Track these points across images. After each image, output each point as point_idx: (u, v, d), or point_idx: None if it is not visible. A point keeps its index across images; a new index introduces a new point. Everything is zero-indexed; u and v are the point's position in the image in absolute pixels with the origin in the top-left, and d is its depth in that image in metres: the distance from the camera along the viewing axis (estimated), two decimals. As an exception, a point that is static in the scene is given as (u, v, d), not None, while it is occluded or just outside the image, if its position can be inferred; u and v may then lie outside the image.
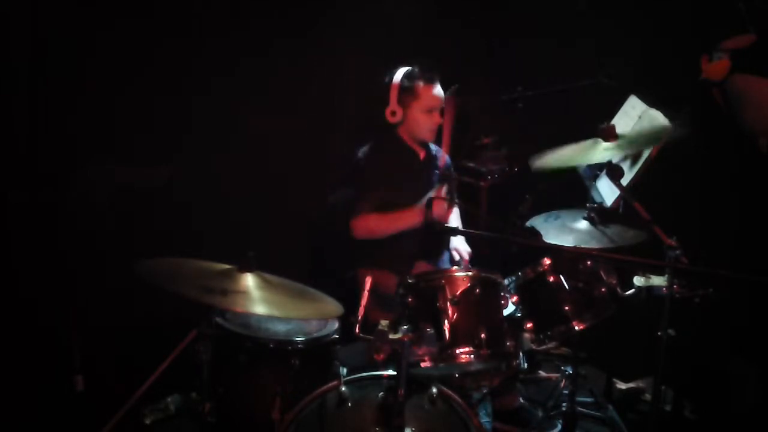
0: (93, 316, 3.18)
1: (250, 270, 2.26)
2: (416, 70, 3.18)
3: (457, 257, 3.30)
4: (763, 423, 3.11)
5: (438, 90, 3.18)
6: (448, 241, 3.35)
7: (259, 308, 2.14)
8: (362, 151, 3.23)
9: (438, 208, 2.99)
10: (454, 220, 3.48)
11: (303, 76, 3.71)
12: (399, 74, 3.16)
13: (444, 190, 3.14)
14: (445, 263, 3.28)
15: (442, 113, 3.20)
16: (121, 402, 2.45)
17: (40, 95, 3.14)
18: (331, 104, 3.80)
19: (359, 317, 2.27)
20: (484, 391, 3.13)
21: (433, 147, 3.35)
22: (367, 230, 3.11)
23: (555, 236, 2.85)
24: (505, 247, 3.04)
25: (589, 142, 2.74)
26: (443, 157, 3.41)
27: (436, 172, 3.34)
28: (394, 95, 3.14)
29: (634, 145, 2.87)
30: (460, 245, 3.34)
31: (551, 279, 2.64)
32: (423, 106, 3.15)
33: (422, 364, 2.34)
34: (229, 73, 3.50)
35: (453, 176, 3.23)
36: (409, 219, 3.04)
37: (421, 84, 3.15)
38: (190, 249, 2.44)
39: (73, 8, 3.11)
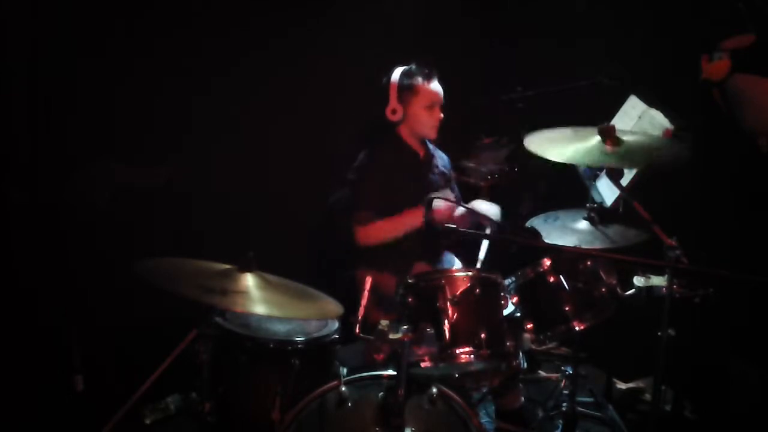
0: (93, 316, 3.18)
1: (250, 270, 2.26)
2: (414, 67, 3.18)
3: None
4: (763, 423, 3.11)
5: (437, 85, 3.18)
6: (448, 241, 3.35)
7: (259, 308, 2.14)
8: (362, 155, 3.23)
9: (439, 210, 2.99)
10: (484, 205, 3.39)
11: (303, 75, 3.71)
12: (397, 73, 3.17)
13: (449, 194, 3.13)
14: (444, 263, 3.27)
15: (442, 109, 3.20)
16: (121, 402, 2.45)
17: (40, 95, 3.14)
18: (331, 104, 3.80)
19: (359, 317, 2.26)
20: (484, 390, 3.13)
21: (431, 146, 3.35)
22: (375, 239, 3.10)
23: (555, 236, 2.85)
24: (505, 247, 3.04)
25: (587, 130, 2.71)
26: (442, 156, 3.41)
27: (436, 171, 3.34)
28: (393, 94, 3.15)
29: (632, 161, 2.84)
30: (486, 208, 3.24)
31: (551, 279, 2.64)
32: (423, 102, 3.16)
33: (422, 364, 2.33)
34: (228, 73, 3.50)
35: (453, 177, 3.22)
36: (411, 219, 3.04)
37: (419, 80, 3.15)
38: (190, 249, 2.44)
39: (73, 8, 3.11)
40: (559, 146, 2.64)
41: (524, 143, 2.67)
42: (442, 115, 3.20)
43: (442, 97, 3.19)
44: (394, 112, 3.16)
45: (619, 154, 2.62)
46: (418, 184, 3.24)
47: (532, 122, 2.90)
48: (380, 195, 3.11)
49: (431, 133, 3.23)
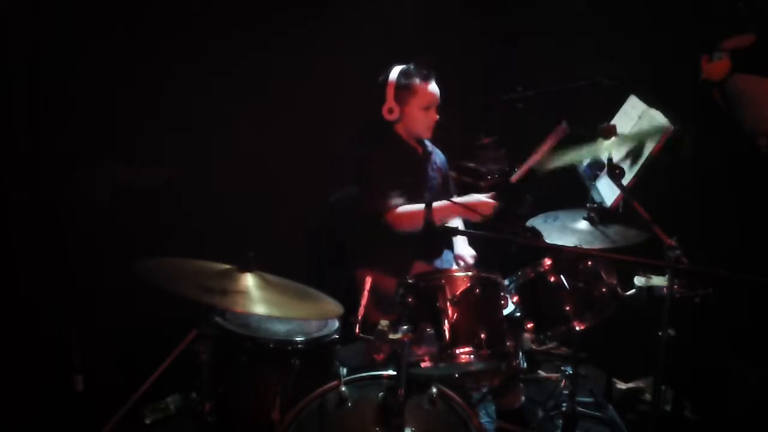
0: (93, 316, 3.18)
1: (250, 270, 2.26)
2: (412, 67, 3.18)
3: (461, 263, 3.27)
4: (763, 423, 3.11)
5: (434, 87, 3.18)
6: (448, 242, 3.35)
7: (259, 308, 2.14)
8: (364, 153, 3.22)
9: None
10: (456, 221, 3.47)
11: (303, 75, 3.71)
12: (395, 72, 3.17)
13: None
14: (444, 263, 3.27)
15: (438, 110, 3.20)
16: (121, 402, 2.45)
17: (40, 95, 3.14)
18: (331, 104, 3.80)
19: (359, 317, 2.26)
20: (484, 390, 3.13)
21: (428, 144, 3.35)
22: (409, 222, 2.99)
23: (555, 237, 2.85)
24: (505, 247, 3.04)
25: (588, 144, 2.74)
26: (439, 154, 3.41)
27: (434, 167, 3.34)
28: (390, 93, 3.14)
29: (635, 142, 2.86)
30: (463, 250, 3.32)
31: (551, 279, 2.64)
32: (420, 103, 3.16)
33: (422, 364, 2.33)
34: (228, 73, 3.50)
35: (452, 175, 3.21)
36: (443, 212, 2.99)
37: (417, 81, 3.15)
38: (190, 249, 2.44)
39: (73, 8, 3.11)
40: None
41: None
42: (437, 116, 3.20)
43: (438, 98, 3.19)
44: (390, 111, 3.15)
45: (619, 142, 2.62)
46: (417, 181, 3.24)
47: (533, 124, 2.92)
48: (397, 182, 3.08)
49: (426, 133, 3.23)
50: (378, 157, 3.17)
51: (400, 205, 3.05)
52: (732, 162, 3.29)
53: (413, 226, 2.94)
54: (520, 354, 2.57)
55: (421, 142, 3.31)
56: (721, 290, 2.51)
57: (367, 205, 3.11)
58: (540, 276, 2.65)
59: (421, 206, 2.89)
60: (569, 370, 3.18)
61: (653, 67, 3.60)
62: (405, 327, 2.24)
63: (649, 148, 2.99)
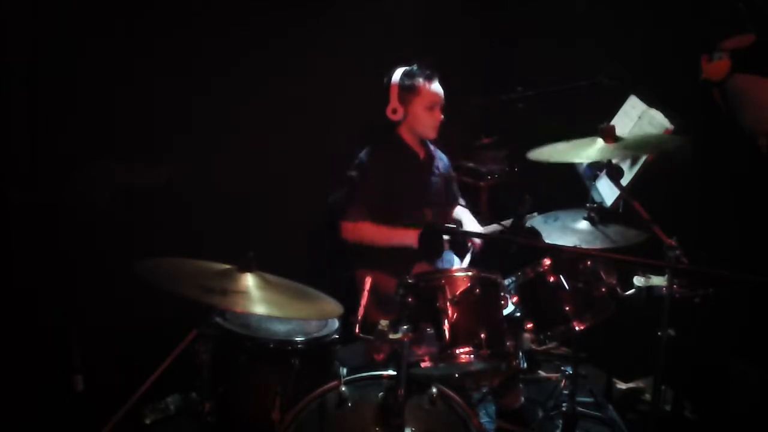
0: (93, 316, 3.18)
1: (250, 270, 2.26)
2: (415, 68, 3.19)
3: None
4: (763, 423, 3.11)
5: (437, 86, 3.19)
6: (447, 242, 3.35)
7: (259, 308, 2.14)
8: (363, 153, 3.23)
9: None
10: (467, 218, 3.45)
11: (303, 76, 3.71)
12: (398, 73, 3.18)
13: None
14: (445, 263, 3.27)
15: (442, 110, 3.21)
16: (121, 402, 2.45)
17: (40, 95, 3.14)
18: (331, 104, 3.80)
19: (359, 317, 2.26)
20: (484, 390, 3.13)
21: (431, 147, 3.36)
22: (358, 236, 3.12)
23: (555, 237, 2.85)
24: (505, 247, 3.04)
25: (587, 140, 2.73)
26: (442, 157, 3.41)
27: (437, 172, 3.34)
28: (394, 94, 3.15)
29: (634, 150, 2.87)
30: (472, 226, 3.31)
31: (551, 279, 2.64)
32: (424, 103, 3.17)
33: (422, 364, 2.33)
34: (228, 73, 3.50)
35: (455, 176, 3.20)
36: (403, 238, 3.04)
37: (420, 81, 3.16)
38: (190, 249, 2.44)
39: (73, 8, 3.11)
40: (562, 152, 2.66)
41: (528, 157, 2.68)
42: (442, 116, 3.21)
43: (442, 98, 3.20)
44: (394, 111, 3.16)
45: (617, 148, 2.63)
46: (417, 185, 3.24)
47: (533, 124, 2.92)
48: (378, 194, 3.12)
49: (431, 133, 3.24)
50: (373, 164, 3.17)
51: (362, 218, 3.09)
52: (732, 162, 3.29)
53: (360, 241, 3.12)
54: (520, 354, 2.56)
55: (423, 146, 3.31)
56: (721, 290, 2.51)
57: (342, 208, 3.16)
58: (540, 276, 2.65)
59: (378, 228, 3.08)
60: (569, 370, 3.18)
61: (653, 67, 3.60)
62: (405, 327, 2.24)
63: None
